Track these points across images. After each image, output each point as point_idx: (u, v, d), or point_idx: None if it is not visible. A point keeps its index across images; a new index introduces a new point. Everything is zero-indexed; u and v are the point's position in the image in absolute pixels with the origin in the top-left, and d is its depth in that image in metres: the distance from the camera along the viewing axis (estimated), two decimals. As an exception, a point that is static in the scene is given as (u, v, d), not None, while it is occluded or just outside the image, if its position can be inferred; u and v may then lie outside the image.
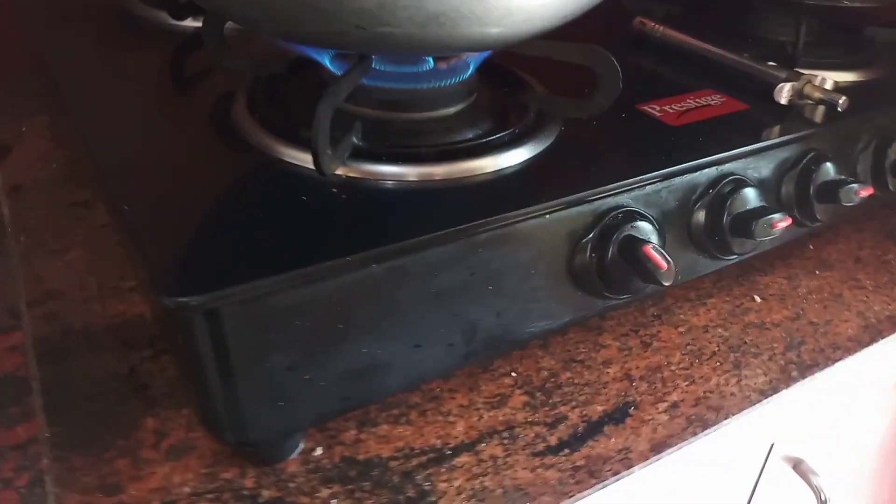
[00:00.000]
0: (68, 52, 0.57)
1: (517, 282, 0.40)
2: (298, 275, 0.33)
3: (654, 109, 0.50)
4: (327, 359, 0.35)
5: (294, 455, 0.38)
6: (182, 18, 0.59)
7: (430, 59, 0.46)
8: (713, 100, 0.52)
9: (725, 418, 0.42)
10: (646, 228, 0.42)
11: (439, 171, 0.40)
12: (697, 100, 0.52)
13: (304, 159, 0.40)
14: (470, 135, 0.44)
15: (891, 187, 0.54)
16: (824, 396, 0.48)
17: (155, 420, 0.39)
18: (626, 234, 0.41)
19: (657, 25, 0.61)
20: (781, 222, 0.45)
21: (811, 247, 0.57)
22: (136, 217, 0.35)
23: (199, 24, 0.52)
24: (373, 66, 0.44)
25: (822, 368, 0.46)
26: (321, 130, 0.36)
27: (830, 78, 0.52)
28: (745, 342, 0.47)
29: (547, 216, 0.39)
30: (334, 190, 0.38)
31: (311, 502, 0.36)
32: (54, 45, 0.59)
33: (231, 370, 0.33)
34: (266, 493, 0.36)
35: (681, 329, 0.48)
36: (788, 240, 0.53)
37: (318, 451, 0.38)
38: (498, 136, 0.43)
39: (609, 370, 0.44)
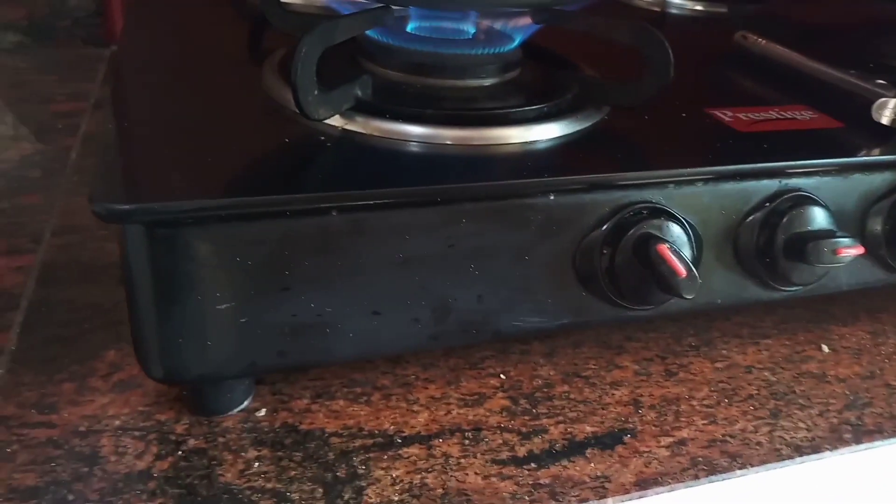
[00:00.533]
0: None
1: (506, 265, 0.35)
2: (243, 202, 0.31)
3: (724, 115, 0.44)
4: (267, 305, 0.32)
5: (235, 411, 0.35)
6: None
7: (471, 28, 0.43)
8: (802, 114, 0.45)
9: (741, 468, 0.35)
10: (676, 233, 0.36)
11: (452, 135, 0.37)
12: (783, 112, 0.45)
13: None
14: (497, 105, 0.40)
15: None
16: (879, 473, 0.39)
17: (116, 354, 0.38)
18: (643, 231, 0.36)
19: (759, 39, 0.54)
20: (850, 249, 0.37)
21: (911, 303, 0.48)
22: (122, 130, 0.35)
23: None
24: (404, 25, 0.42)
25: (888, 438, 0.37)
26: (304, 66, 0.34)
27: None
28: (795, 391, 0.40)
29: (552, 196, 0.35)
30: (322, 139, 0.36)
31: (233, 460, 0.33)
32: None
33: (160, 296, 0.31)
34: (192, 443, 0.33)
35: (718, 364, 0.41)
36: (881, 285, 0.44)
37: (261, 413, 0.35)
38: (528, 108, 0.39)
39: (616, 392, 0.38)
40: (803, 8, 0.63)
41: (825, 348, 0.43)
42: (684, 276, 0.34)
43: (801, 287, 0.40)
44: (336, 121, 0.37)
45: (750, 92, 0.51)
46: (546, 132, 0.39)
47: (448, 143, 0.37)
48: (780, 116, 0.45)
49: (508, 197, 0.34)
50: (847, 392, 0.40)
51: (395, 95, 0.40)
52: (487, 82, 0.42)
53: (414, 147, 0.37)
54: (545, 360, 0.40)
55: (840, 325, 0.45)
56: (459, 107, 0.40)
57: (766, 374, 0.41)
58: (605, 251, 0.36)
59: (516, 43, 0.43)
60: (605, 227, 0.36)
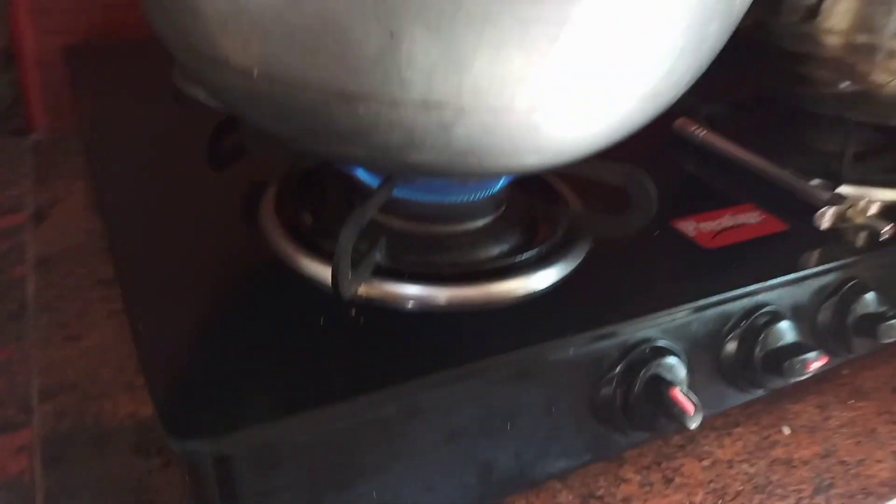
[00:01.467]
0: (108, 120, 0.58)
1: (537, 419, 0.38)
2: (310, 417, 0.32)
3: (689, 228, 0.48)
4: (335, 502, 0.33)
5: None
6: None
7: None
8: (752, 217, 0.51)
9: (748, 571, 0.40)
10: (673, 364, 0.41)
11: (464, 293, 0.39)
12: (735, 216, 0.51)
13: (325, 276, 0.39)
14: (497, 251, 0.43)
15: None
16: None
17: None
18: (652, 372, 0.40)
19: (699, 129, 0.60)
20: (816, 362, 0.43)
21: (845, 372, 0.55)
22: (148, 338, 0.35)
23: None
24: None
25: (853, 517, 0.44)
26: (343, 255, 0.35)
27: (879, 195, 0.50)
28: (772, 481, 0.45)
29: (572, 350, 0.38)
30: (353, 312, 0.37)
31: None
32: (96, 109, 0.60)
33: (236, 513, 0.32)
34: None
35: (705, 463, 0.46)
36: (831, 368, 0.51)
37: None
38: (526, 255, 0.42)
39: (628, 507, 0.43)
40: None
41: (786, 430, 0.49)
42: (692, 413, 0.38)
43: (773, 388, 0.46)
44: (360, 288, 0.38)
45: (702, 190, 0.56)
46: (546, 278, 0.41)
47: (462, 302, 0.39)
48: (734, 223, 0.50)
49: (539, 357, 0.37)
50: (812, 475, 0.46)
51: (405, 250, 0.41)
52: (481, 223, 0.44)
53: (435, 309, 0.38)
54: (561, 483, 0.43)
55: (792, 401, 0.52)
56: (466, 258, 0.42)
57: (745, 466, 0.46)
58: (618, 390, 0.40)
59: (501, 184, 0.45)
60: (616, 370, 0.40)
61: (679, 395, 0.38)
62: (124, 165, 0.52)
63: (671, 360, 0.40)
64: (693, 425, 0.39)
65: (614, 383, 0.40)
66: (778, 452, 0.47)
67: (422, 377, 0.34)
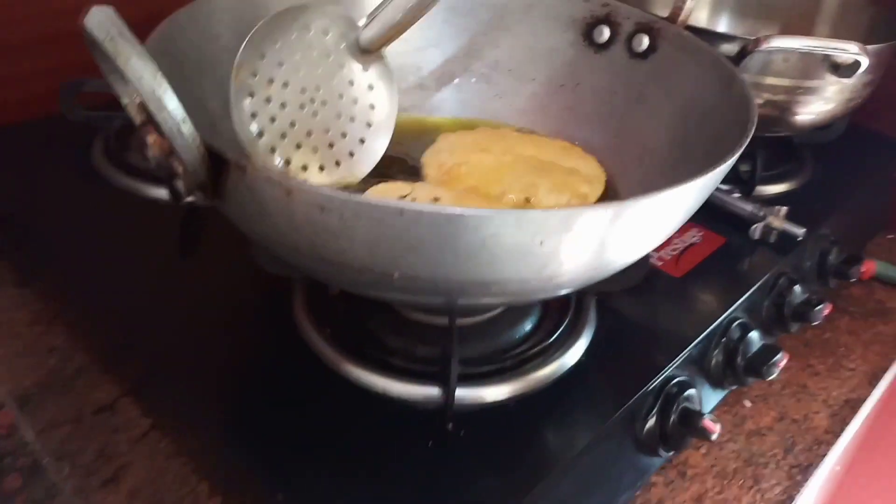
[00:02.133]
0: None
1: (606, 468, 0.45)
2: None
3: (653, 257, 0.56)
4: None
5: None
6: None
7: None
8: (695, 236, 0.59)
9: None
10: (693, 394, 0.49)
11: (519, 385, 0.44)
12: (682, 237, 0.59)
13: (384, 386, 0.43)
14: (531, 335, 0.47)
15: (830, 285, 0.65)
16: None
17: None
18: (682, 406, 0.48)
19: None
20: (783, 360, 0.53)
21: (769, 337, 0.67)
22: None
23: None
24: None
25: (816, 466, 0.56)
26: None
27: (774, 188, 0.61)
28: (754, 453, 0.56)
29: (626, 410, 0.45)
30: (450, 426, 0.41)
31: None
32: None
33: None
34: None
35: (702, 450, 0.56)
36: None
37: None
38: (556, 336, 0.47)
39: (666, 510, 0.51)
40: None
41: (747, 403, 0.60)
42: (718, 431, 0.47)
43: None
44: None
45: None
46: (577, 351, 0.47)
47: (519, 392, 0.44)
48: (683, 245, 0.58)
49: (611, 428, 0.44)
50: (779, 439, 0.57)
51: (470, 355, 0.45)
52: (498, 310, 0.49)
53: (492, 406, 0.43)
54: None
55: (741, 374, 0.63)
56: (498, 354, 0.46)
57: (730, 444, 0.56)
58: (657, 426, 0.48)
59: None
60: (654, 409, 0.47)
61: (709, 422, 0.47)
62: (83, 261, 0.51)
63: (691, 391, 0.48)
64: (715, 438, 0.48)
65: (654, 421, 0.47)
66: (749, 425, 0.58)
67: (544, 479, 0.39)
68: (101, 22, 0.28)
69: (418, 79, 0.58)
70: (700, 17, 0.77)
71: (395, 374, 0.43)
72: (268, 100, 0.44)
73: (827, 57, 0.54)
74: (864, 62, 0.52)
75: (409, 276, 0.32)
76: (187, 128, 0.29)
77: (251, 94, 0.43)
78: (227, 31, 0.48)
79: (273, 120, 0.44)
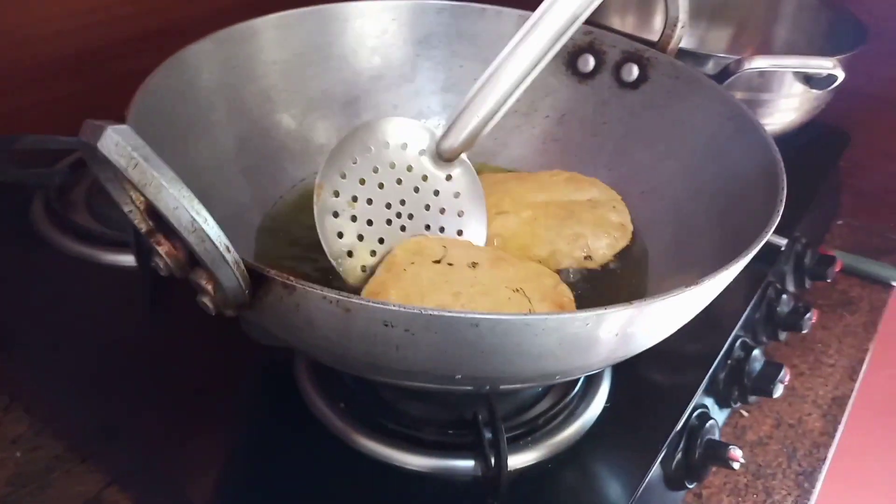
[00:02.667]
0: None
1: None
2: None
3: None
4: None
5: None
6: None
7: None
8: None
9: (785, 553, 0.51)
10: (713, 422, 0.49)
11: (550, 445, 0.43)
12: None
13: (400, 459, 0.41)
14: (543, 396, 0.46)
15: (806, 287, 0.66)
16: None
17: None
18: (707, 437, 0.48)
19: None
20: (786, 378, 0.54)
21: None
22: None
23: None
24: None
25: (819, 471, 0.57)
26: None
27: None
28: (760, 464, 0.57)
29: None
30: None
31: None
32: None
33: None
34: None
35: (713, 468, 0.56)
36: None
37: None
38: (575, 391, 0.46)
39: (689, 536, 0.52)
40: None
41: (744, 413, 0.61)
42: (741, 460, 0.48)
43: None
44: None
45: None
46: (598, 405, 0.46)
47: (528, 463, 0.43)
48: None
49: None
50: (780, 447, 0.59)
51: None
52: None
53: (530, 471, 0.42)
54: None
55: (733, 383, 0.64)
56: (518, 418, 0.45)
57: (738, 459, 0.57)
58: (685, 463, 0.48)
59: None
60: (680, 445, 0.47)
61: (733, 452, 0.47)
62: (38, 337, 0.48)
63: (712, 421, 0.49)
64: (738, 467, 0.48)
65: (681, 456, 0.47)
66: (750, 436, 0.59)
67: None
68: (121, 145, 0.25)
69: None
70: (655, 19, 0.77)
71: (425, 449, 0.41)
72: (353, 218, 0.43)
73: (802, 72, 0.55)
74: (840, 75, 0.53)
75: (471, 377, 0.31)
76: (231, 256, 0.26)
77: (335, 214, 0.43)
78: (212, 79, 0.45)
79: (361, 238, 0.43)
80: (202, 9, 0.73)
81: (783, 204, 0.37)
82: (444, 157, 0.46)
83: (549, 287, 0.42)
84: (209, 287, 0.29)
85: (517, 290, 0.40)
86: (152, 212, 0.29)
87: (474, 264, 0.41)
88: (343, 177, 0.43)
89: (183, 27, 0.66)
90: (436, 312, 0.27)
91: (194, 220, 0.25)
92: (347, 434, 0.42)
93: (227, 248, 0.26)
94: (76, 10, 0.66)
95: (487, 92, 0.43)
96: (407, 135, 0.45)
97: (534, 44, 0.42)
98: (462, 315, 0.27)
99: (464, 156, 0.47)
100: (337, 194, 0.42)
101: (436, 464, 0.41)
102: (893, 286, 0.76)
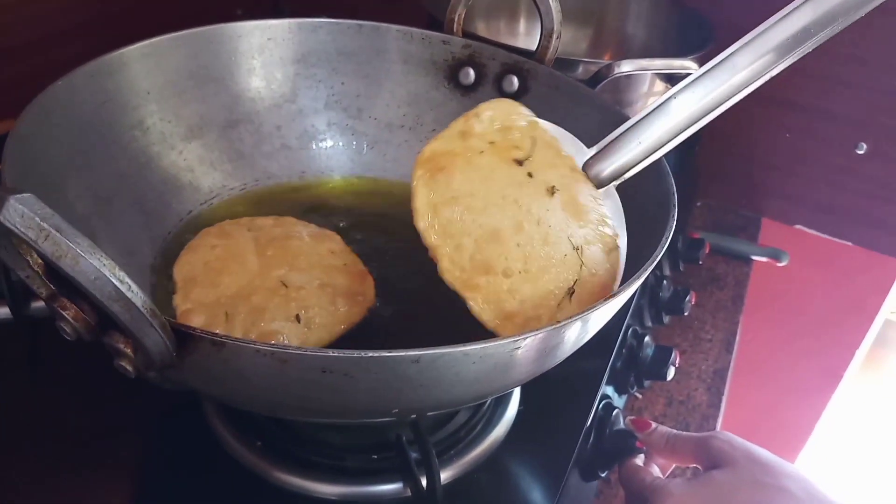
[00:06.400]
0: None
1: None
2: None
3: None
4: None
5: None
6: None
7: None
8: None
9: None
10: (617, 410, 0.51)
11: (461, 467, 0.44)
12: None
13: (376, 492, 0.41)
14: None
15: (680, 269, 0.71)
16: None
17: None
18: (615, 428, 0.50)
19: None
20: (677, 360, 0.58)
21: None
22: None
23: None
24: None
25: (709, 441, 0.61)
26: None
27: None
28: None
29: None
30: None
31: None
32: None
33: None
34: None
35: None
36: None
37: None
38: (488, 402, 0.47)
39: None
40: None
41: (638, 395, 0.65)
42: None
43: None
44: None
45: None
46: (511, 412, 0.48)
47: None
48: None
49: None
50: (673, 424, 0.63)
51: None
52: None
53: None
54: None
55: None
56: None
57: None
58: (596, 453, 0.50)
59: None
60: (591, 438, 0.49)
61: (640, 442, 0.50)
62: None
63: (616, 412, 0.51)
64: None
65: (592, 447, 0.49)
66: (646, 416, 0.63)
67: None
68: (27, 216, 0.23)
69: (280, 139, 0.54)
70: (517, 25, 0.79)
71: (350, 477, 0.41)
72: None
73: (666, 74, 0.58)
74: (698, 74, 0.57)
75: (408, 409, 0.31)
76: (158, 320, 0.25)
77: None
78: (83, 116, 0.42)
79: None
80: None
81: (675, 213, 0.39)
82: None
83: (601, 257, 0.39)
84: (128, 350, 0.27)
85: (577, 249, 0.38)
86: (53, 274, 0.27)
87: (553, 190, 0.39)
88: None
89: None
90: (375, 354, 0.26)
91: (118, 288, 0.24)
92: (269, 472, 0.41)
93: (154, 313, 0.25)
94: None
95: (657, 119, 0.40)
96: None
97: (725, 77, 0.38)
98: (403, 354, 0.27)
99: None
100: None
101: (362, 490, 0.41)
102: (753, 259, 0.83)
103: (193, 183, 0.49)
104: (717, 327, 0.74)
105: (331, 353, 0.26)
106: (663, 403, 0.65)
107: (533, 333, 0.28)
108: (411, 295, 0.45)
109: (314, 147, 0.55)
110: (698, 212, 0.91)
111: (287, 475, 0.41)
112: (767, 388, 0.91)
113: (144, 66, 0.46)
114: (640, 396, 0.65)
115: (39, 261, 0.27)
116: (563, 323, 0.29)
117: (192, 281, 0.40)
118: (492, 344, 0.28)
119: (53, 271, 0.27)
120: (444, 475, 0.42)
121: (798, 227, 0.87)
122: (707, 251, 0.71)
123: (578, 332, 0.33)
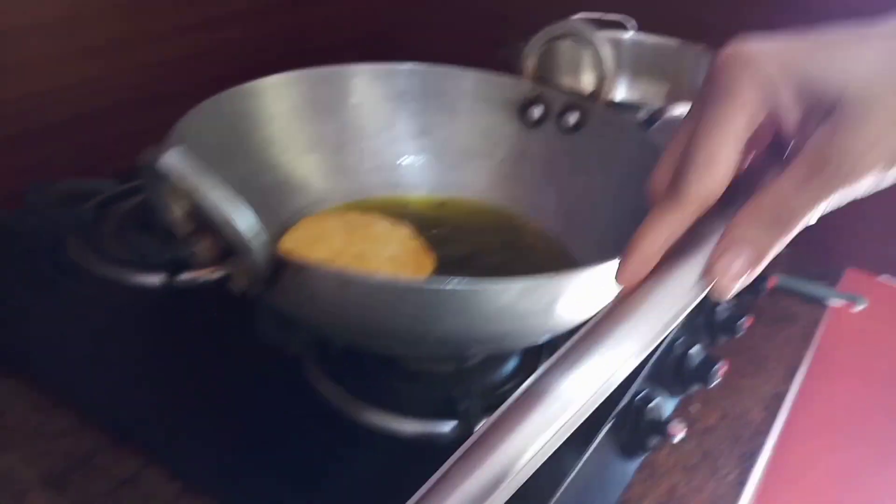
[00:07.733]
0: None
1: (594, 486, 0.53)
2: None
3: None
4: None
5: None
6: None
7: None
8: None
9: (730, 518, 0.59)
10: (656, 401, 0.57)
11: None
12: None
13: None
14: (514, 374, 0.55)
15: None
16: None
17: None
18: (651, 416, 0.56)
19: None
20: (724, 367, 0.63)
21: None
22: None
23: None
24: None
25: (759, 452, 0.65)
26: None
27: None
28: (708, 449, 0.65)
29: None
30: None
31: None
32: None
33: None
34: None
35: (665, 451, 0.64)
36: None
37: None
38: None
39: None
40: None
41: (695, 407, 0.70)
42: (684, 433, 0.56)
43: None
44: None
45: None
46: None
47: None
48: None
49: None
50: (728, 434, 0.67)
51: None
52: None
53: None
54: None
55: (683, 384, 0.72)
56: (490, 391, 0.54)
57: (688, 441, 0.65)
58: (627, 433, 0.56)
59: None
60: (625, 422, 0.56)
61: (675, 427, 0.56)
62: (74, 348, 0.57)
63: (656, 401, 0.57)
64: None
65: (627, 431, 0.56)
66: (699, 426, 0.68)
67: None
68: (180, 160, 0.34)
69: (379, 159, 0.66)
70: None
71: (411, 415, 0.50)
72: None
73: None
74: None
75: (440, 338, 0.40)
76: (266, 250, 0.36)
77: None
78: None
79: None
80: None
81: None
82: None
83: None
84: (240, 270, 0.38)
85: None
86: (194, 216, 0.39)
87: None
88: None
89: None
90: (411, 284, 0.36)
91: (244, 223, 0.35)
92: (350, 407, 0.50)
93: (265, 244, 0.36)
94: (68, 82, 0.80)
95: None
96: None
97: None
98: (434, 287, 0.36)
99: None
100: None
101: (424, 426, 0.50)
102: (827, 305, 0.85)
103: (306, 188, 0.61)
104: (782, 357, 0.77)
105: (378, 278, 0.36)
106: (717, 416, 0.69)
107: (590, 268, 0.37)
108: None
109: (405, 167, 0.66)
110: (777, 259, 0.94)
111: (365, 410, 0.50)
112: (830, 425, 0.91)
113: (274, 94, 0.60)
114: (692, 411, 0.69)
115: (186, 205, 0.39)
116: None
117: (288, 252, 0.51)
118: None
119: (194, 213, 0.38)
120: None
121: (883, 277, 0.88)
122: (771, 286, 0.76)
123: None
